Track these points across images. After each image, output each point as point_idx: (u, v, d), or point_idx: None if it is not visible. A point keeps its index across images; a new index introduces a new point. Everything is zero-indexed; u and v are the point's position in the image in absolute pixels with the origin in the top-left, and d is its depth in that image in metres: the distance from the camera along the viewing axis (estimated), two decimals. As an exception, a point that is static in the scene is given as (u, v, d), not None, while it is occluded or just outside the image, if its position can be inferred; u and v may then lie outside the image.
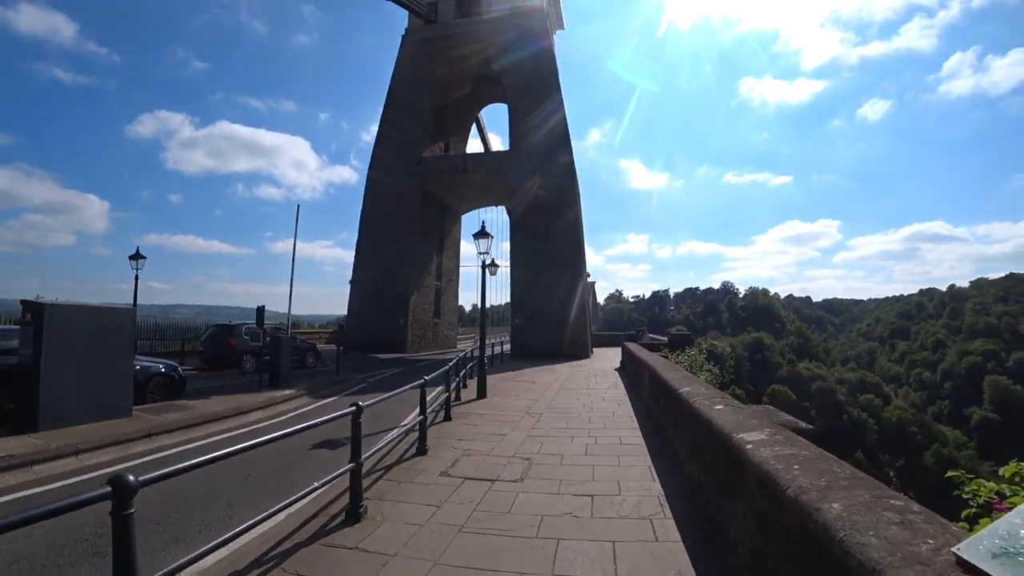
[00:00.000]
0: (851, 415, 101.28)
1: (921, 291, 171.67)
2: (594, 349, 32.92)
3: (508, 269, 32.76)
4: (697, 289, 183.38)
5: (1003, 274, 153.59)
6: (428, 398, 8.11)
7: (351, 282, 35.36)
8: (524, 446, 8.16)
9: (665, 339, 25.97)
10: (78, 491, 2.68)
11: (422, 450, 7.71)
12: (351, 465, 5.16)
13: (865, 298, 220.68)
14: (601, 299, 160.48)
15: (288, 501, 4.29)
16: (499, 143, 46.17)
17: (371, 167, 36.37)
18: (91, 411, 8.79)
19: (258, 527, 4.13)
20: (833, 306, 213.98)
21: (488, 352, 24.26)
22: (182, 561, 3.01)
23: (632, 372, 16.23)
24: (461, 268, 44.11)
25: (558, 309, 30.12)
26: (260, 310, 14.89)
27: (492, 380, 16.67)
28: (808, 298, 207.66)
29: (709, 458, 5.26)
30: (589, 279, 43.81)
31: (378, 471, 6.89)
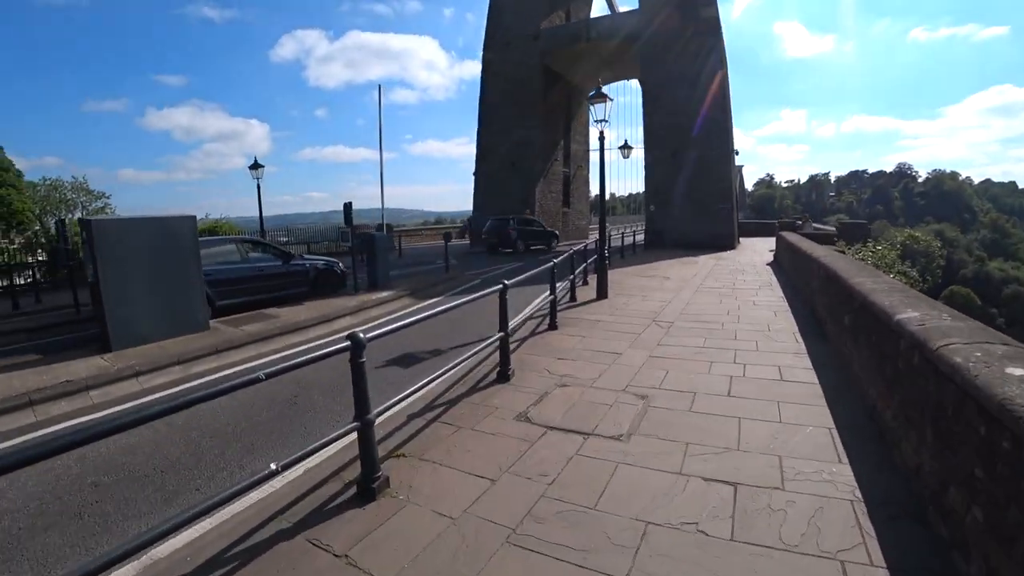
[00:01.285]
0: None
1: None
2: (741, 239, 28.75)
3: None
4: (865, 172, 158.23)
5: None
6: (537, 301, 6.25)
7: (474, 174, 33.81)
8: (642, 374, 6.04)
9: (833, 229, 21.44)
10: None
11: (504, 376, 5.94)
12: (355, 423, 3.45)
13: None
14: (749, 184, 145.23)
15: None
16: (627, 5, 39.83)
17: (485, 47, 33.12)
18: (163, 327, 8.27)
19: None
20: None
21: (619, 243, 21.84)
22: None
23: (792, 270, 13.02)
24: (592, 153, 40.43)
25: (699, 193, 26.15)
26: (347, 207, 13.61)
27: (619, 275, 14.48)
28: (1013, 183, 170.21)
29: (973, 456, 2.83)
30: (736, 161, 38.00)
31: (439, 406, 5.24)
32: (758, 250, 22.88)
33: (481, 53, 33.51)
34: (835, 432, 4.37)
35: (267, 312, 10.38)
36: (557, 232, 28.86)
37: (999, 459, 2.60)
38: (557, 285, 9.03)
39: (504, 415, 4.94)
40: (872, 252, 13.40)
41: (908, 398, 3.91)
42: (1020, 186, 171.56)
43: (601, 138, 11.53)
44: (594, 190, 42.79)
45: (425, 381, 4.58)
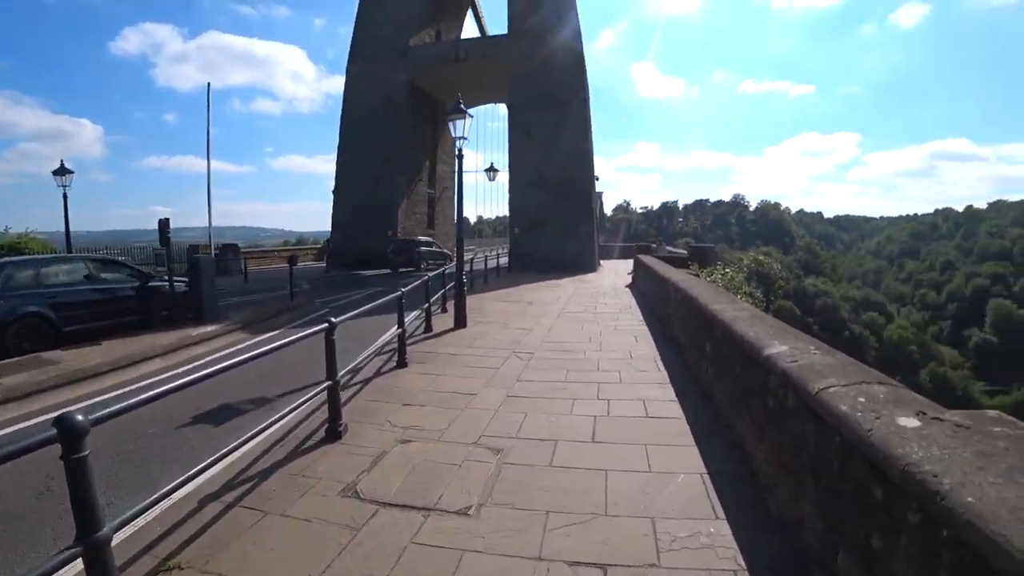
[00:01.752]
0: (853, 331, 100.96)
1: (937, 211, 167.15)
2: (602, 262, 29.90)
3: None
4: (707, 201, 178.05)
5: (1022, 196, 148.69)
6: (395, 329, 5.24)
7: (333, 192, 31.90)
8: (498, 419, 5.30)
9: (686, 252, 22.83)
10: None
11: (334, 433, 4.87)
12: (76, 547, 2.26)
13: (877, 215, 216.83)
14: (608, 209, 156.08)
15: None
16: (498, 28, 40.60)
17: (351, 59, 31.65)
18: None
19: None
20: (844, 223, 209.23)
21: (484, 266, 21.40)
22: None
23: (650, 293, 13.30)
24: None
25: (562, 217, 26.71)
26: (163, 224, 11.65)
27: (481, 301, 13.88)
28: (819, 213, 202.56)
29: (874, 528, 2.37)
30: (597, 187, 39.94)
31: (244, 481, 4.07)
32: (618, 272, 23.73)
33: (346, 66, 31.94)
34: (707, 479, 3.93)
35: (44, 356, 8.24)
36: (450, 253, 29.19)
37: (905, 534, 2.14)
38: (408, 316, 8.09)
39: (327, 489, 3.90)
40: (723, 275, 14.18)
41: (782, 440, 3.53)
42: (825, 216, 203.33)
43: (459, 155, 10.91)
44: (465, 213, 42.53)
45: (230, 447, 3.46)
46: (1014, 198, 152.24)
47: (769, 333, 4.30)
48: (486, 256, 25.26)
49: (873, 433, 2.40)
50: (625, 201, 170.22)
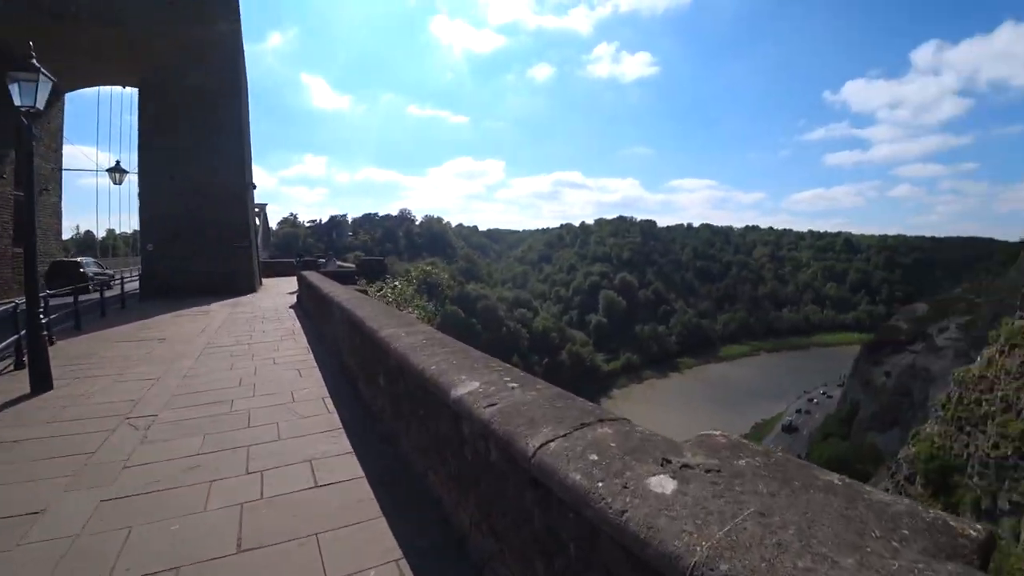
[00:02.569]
0: (509, 327, 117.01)
1: (562, 225, 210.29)
2: (264, 280, 26.34)
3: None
4: (376, 215, 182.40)
5: (615, 216, 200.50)
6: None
7: None
8: (79, 549, 3.22)
9: (353, 267, 21.70)
10: None
11: None
12: None
13: (520, 229, 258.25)
14: (274, 223, 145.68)
15: None
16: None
17: None
18: None
19: None
20: (495, 235, 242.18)
21: (117, 292, 16.50)
22: None
23: (317, 314, 11.76)
24: (67, 173, 30.62)
25: (211, 231, 22.40)
26: None
27: (93, 342, 10.29)
28: (475, 227, 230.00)
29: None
30: (259, 199, 35.21)
31: None
32: (282, 291, 21.24)
33: None
34: (406, 567, 2.87)
35: None
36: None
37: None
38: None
39: None
40: (392, 289, 13.49)
41: (492, 505, 2.69)
42: (480, 229, 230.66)
43: (28, 131, 7.53)
44: (84, 223, 32.60)
45: None
46: (609, 216, 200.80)
47: (454, 364, 3.52)
48: (111, 279, 19.90)
49: (629, 517, 1.65)
50: (292, 214, 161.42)
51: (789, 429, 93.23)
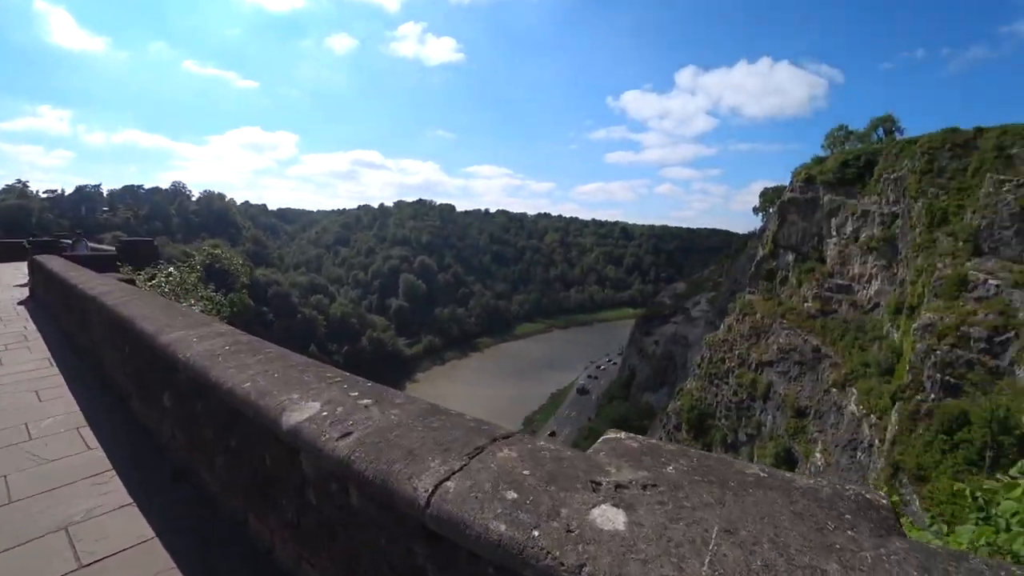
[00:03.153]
0: (305, 314, 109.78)
1: (359, 206, 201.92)
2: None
3: None
4: (141, 188, 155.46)
5: (415, 199, 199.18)
6: None
7: None
8: None
9: (114, 249, 17.83)
10: None
11: None
12: None
13: (314, 209, 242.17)
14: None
15: None
16: None
17: None
18: None
19: None
20: (287, 215, 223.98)
21: None
22: None
23: (63, 311, 9.26)
24: None
25: None
26: None
27: None
28: (264, 206, 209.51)
29: None
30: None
31: None
32: (5, 283, 16.67)
33: None
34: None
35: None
36: None
37: None
38: None
39: None
40: (167, 277, 10.95)
41: (360, 566, 2.07)
42: (270, 208, 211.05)
43: None
44: None
45: None
46: (409, 199, 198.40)
47: (276, 378, 2.77)
48: None
49: (592, 573, 1.24)
50: (21, 181, 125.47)
51: (582, 391, 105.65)
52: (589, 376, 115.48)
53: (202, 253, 12.48)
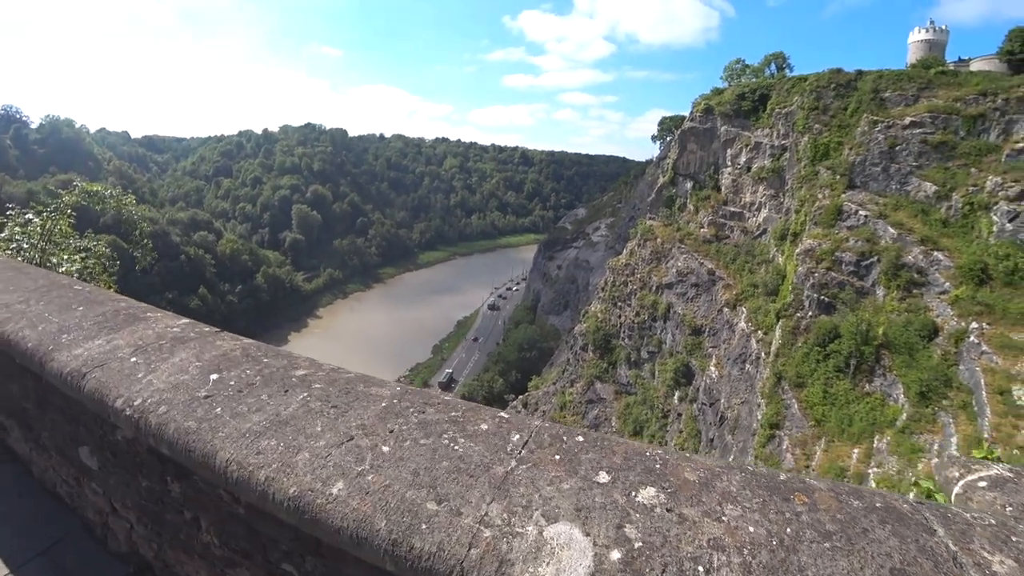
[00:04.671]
0: (188, 255, 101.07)
1: (240, 132, 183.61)
2: None
3: None
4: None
5: (303, 123, 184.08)
6: None
7: None
8: None
9: None
10: None
11: None
12: None
13: (188, 136, 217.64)
14: None
15: None
16: None
17: None
18: None
19: None
20: (156, 143, 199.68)
21: None
22: None
23: None
24: None
25: None
26: None
27: None
28: (126, 133, 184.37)
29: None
30: None
31: None
32: None
33: None
34: None
35: None
36: None
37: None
38: None
39: None
40: (24, 229, 8.10)
41: None
42: (133, 136, 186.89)
43: None
44: None
45: None
46: (296, 124, 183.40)
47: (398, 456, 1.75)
48: None
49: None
50: None
51: (493, 307, 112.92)
52: (499, 296, 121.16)
53: (77, 192, 10.02)
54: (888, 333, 29.69)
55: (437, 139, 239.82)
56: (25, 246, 8.87)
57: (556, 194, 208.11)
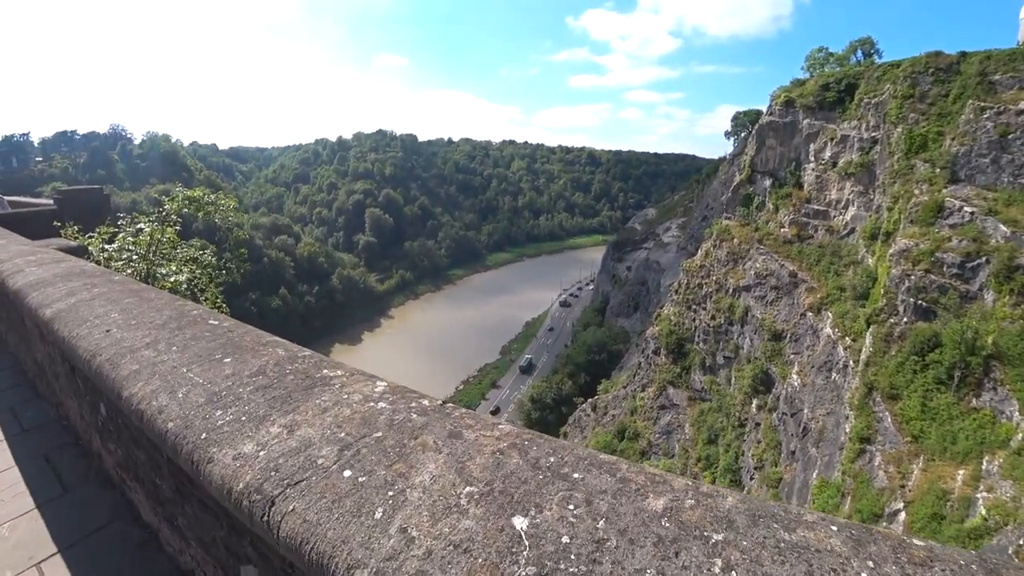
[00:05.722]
0: (271, 257, 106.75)
1: (316, 140, 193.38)
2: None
3: None
4: (74, 133, 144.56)
5: (374, 130, 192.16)
6: None
7: None
8: None
9: (52, 203, 14.72)
10: None
11: None
12: None
13: (269, 146, 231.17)
14: None
15: None
16: None
17: None
18: None
19: None
20: (240, 154, 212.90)
21: None
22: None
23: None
24: None
25: None
26: None
27: None
28: (214, 146, 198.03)
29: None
30: None
31: None
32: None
33: None
34: None
35: None
36: None
37: None
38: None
39: None
40: (136, 238, 8.33)
41: None
42: (220, 148, 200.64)
43: None
44: None
45: None
46: (368, 131, 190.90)
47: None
48: None
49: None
50: None
51: (564, 304, 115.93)
52: (571, 294, 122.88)
53: (179, 199, 10.08)
54: (999, 343, 26.69)
55: (504, 141, 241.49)
56: (135, 257, 8.91)
57: (624, 194, 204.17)
